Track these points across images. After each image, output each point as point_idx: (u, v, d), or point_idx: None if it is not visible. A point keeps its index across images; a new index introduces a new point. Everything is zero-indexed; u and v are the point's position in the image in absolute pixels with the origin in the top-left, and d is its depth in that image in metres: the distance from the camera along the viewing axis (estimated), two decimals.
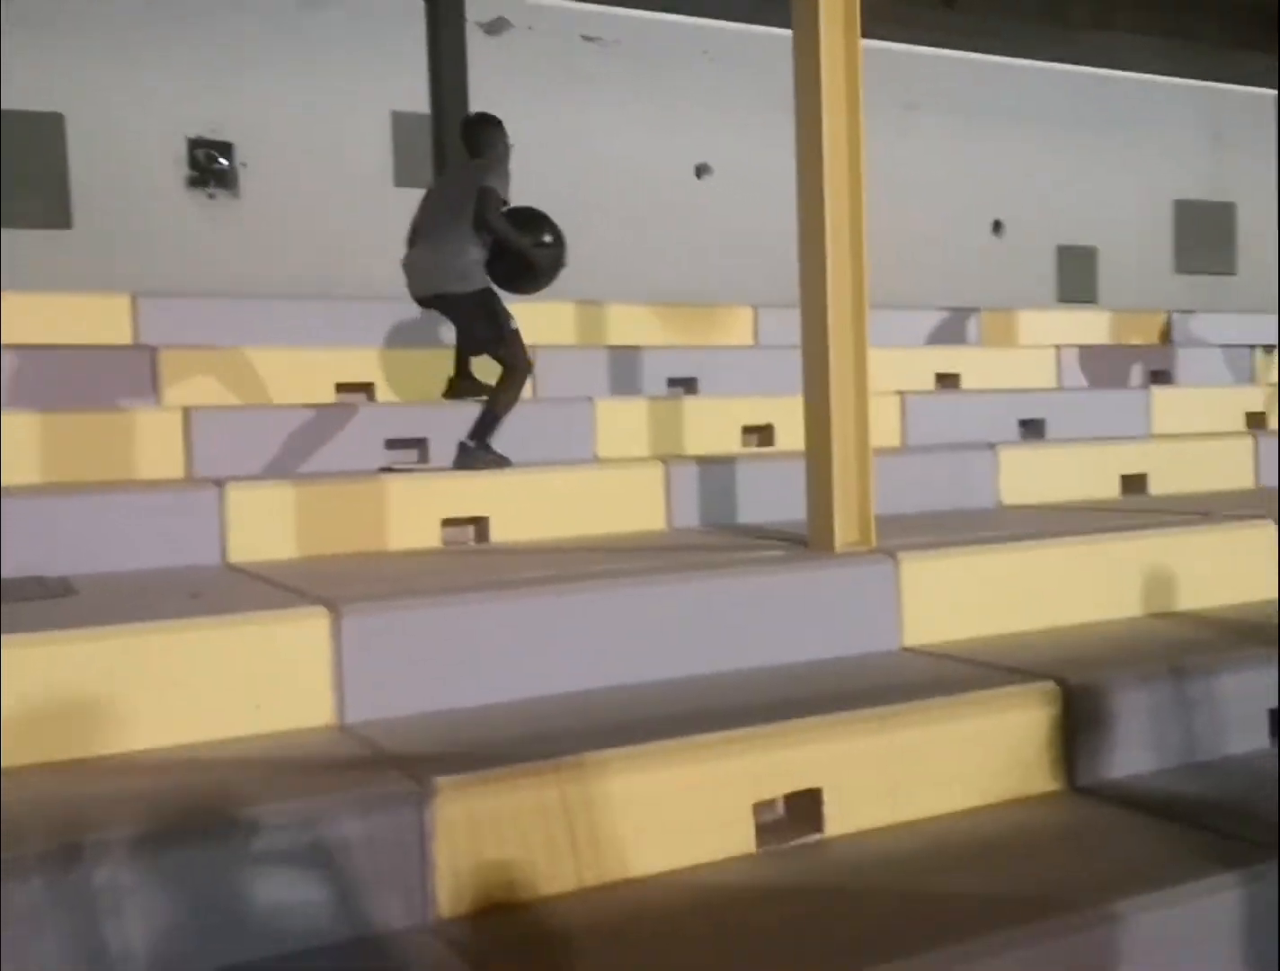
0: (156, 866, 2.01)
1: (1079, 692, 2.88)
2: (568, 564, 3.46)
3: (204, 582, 3.29)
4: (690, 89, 11.09)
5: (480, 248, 5.05)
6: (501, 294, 5.16)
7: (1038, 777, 2.82)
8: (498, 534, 4.21)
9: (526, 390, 5.68)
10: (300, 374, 5.24)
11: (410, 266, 5.14)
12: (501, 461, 4.73)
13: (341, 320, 6.01)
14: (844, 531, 3.57)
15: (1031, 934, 2.14)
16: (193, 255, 8.68)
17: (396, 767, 2.33)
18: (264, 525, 3.83)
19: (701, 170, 11.52)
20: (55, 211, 8.50)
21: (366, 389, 5.34)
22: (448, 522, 4.15)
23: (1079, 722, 2.87)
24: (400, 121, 9.71)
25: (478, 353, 5.26)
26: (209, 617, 2.68)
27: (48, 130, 8.43)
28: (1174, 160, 13.73)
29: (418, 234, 5.27)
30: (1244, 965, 2.32)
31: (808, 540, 3.68)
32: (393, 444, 4.72)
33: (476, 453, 4.74)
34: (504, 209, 5.13)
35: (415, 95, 9.73)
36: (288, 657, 2.68)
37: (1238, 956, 2.32)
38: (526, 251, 5.13)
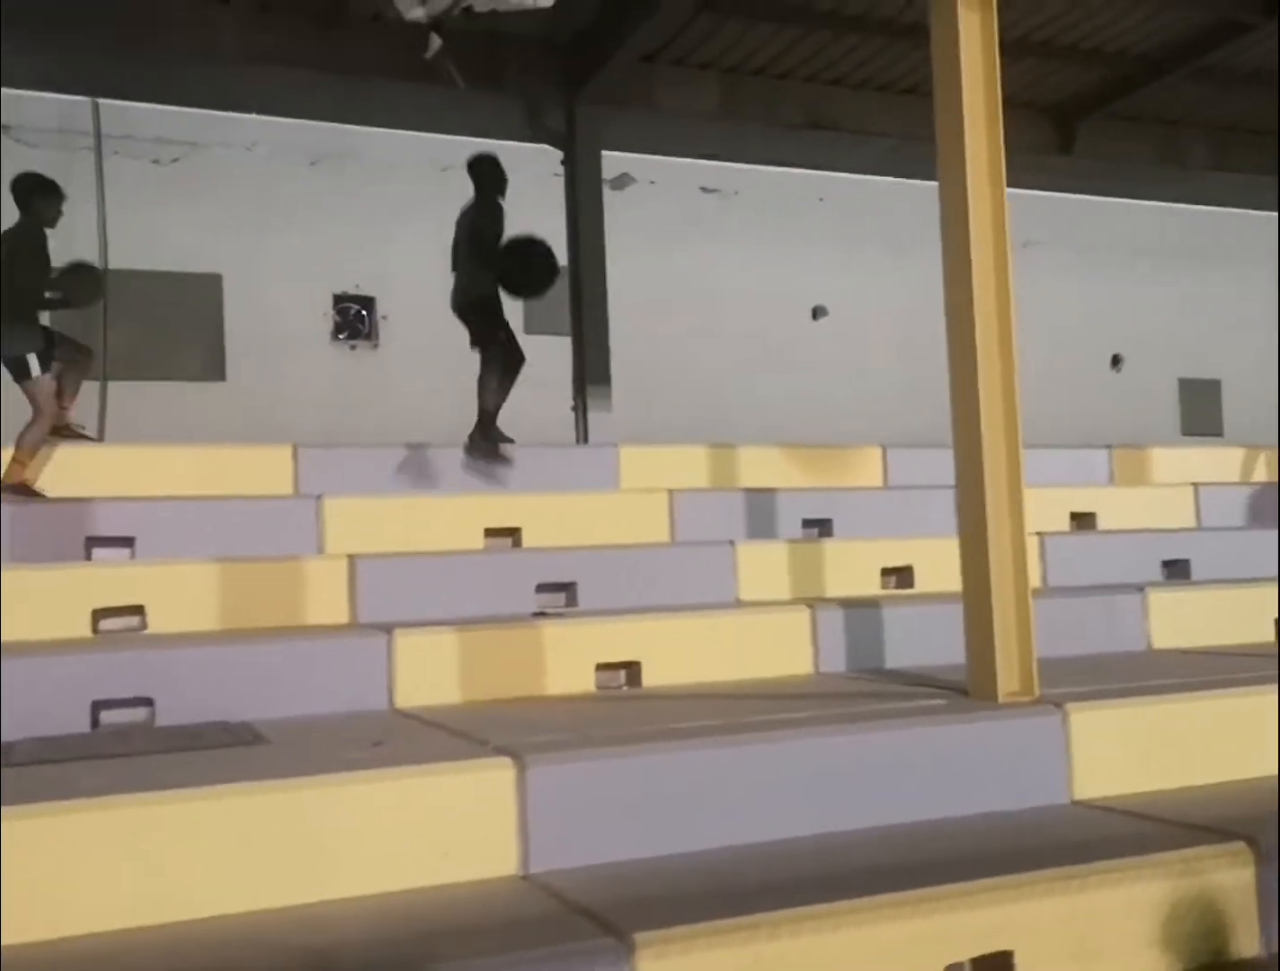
0: None
1: (1271, 853, 2.80)
2: (731, 712, 3.49)
3: (381, 730, 3.39)
4: (806, 234, 11.41)
5: (483, 267, 6.42)
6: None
7: (1232, 942, 2.73)
8: (649, 677, 4.26)
9: (665, 534, 5.85)
10: (450, 520, 5.42)
11: (454, 283, 6.68)
12: (504, 455, 6.24)
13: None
14: (1006, 681, 3.55)
15: None
16: (337, 404, 9.11)
17: (591, 921, 2.36)
18: (429, 670, 3.95)
19: (818, 312, 11.77)
20: (211, 365, 9.03)
21: (513, 534, 5.51)
22: (601, 667, 4.22)
23: (1272, 884, 2.77)
24: None
25: (474, 346, 6.62)
26: (401, 768, 2.77)
27: (207, 290, 9.02)
28: None
29: (456, 258, 6.72)
30: None
31: (968, 688, 3.66)
32: (542, 587, 4.83)
33: (477, 445, 6.33)
34: (500, 237, 6.47)
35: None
36: (474, 808, 2.75)
37: None
38: (509, 275, 6.46)
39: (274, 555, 4.63)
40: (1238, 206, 12.00)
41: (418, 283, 9.69)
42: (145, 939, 2.39)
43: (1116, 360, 13.01)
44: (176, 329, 8.97)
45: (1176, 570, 6.13)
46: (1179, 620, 5.17)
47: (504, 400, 6.65)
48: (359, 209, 9.45)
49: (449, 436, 8.20)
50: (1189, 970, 2.66)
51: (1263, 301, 13.55)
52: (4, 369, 5.74)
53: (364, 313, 9.74)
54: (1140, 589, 5.23)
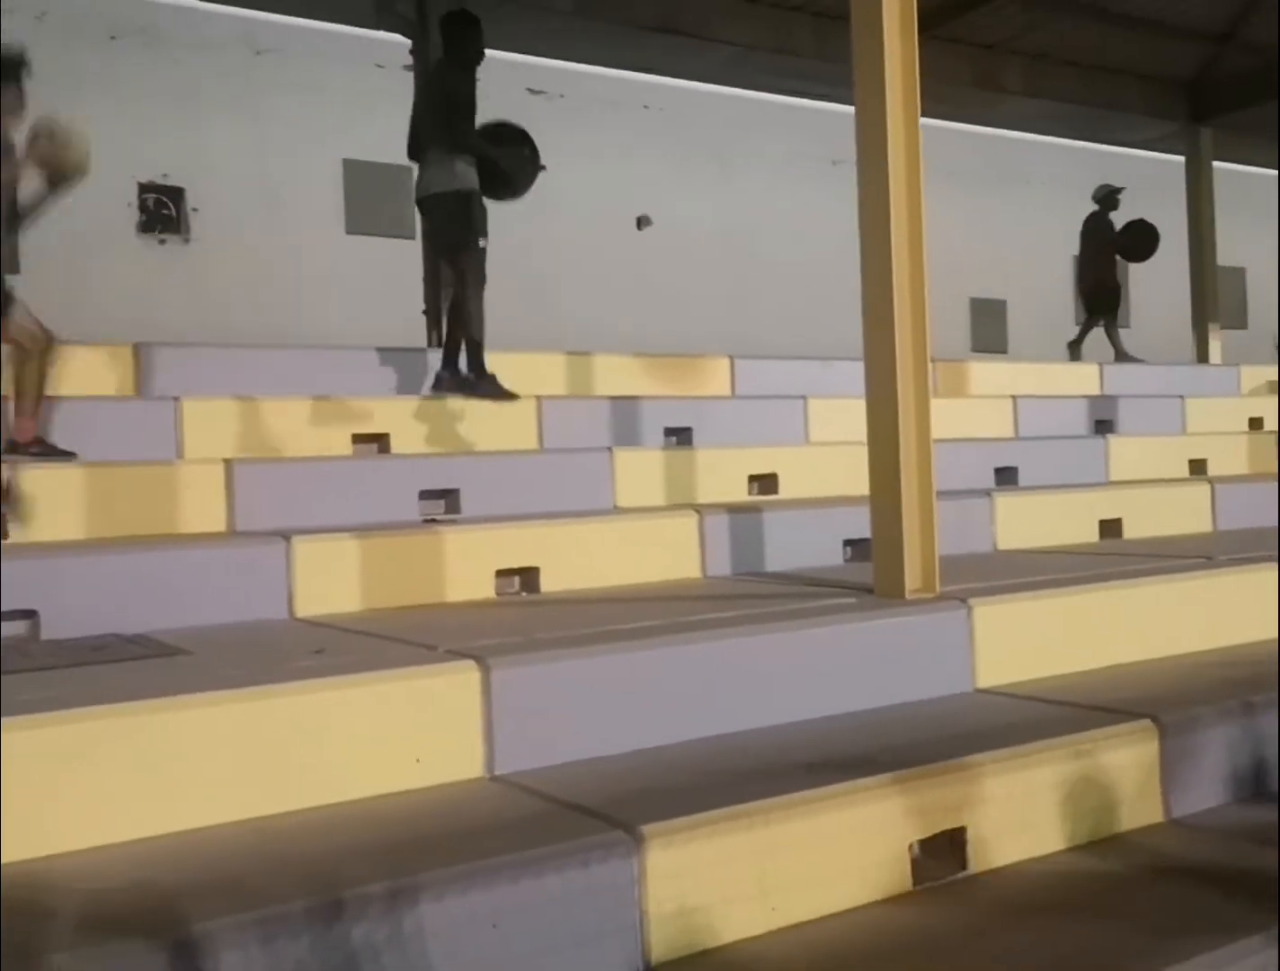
0: (400, 924, 2.02)
1: (1173, 729, 3.07)
2: (654, 614, 3.52)
3: (294, 638, 3.27)
4: (632, 142, 11.34)
5: (458, 150, 5.38)
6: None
7: (1142, 811, 2.99)
8: (545, 583, 4.25)
9: (534, 441, 5.80)
10: (314, 425, 5.21)
11: (419, 172, 5.65)
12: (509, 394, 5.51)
13: (343, 369, 5.99)
14: (911, 578, 3.72)
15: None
16: (146, 302, 8.52)
17: (591, 817, 2.37)
18: (329, 578, 3.81)
19: (642, 222, 11.75)
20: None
21: (380, 439, 5.34)
22: (500, 573, 4.18)
23: (1174, 758, 3.05)
24: (352, 169, 9.72)
25: (441, 254, 5.82)
26: (368, 673, 2.68)
27: None
28: (1071, 217, 14.42)
29: (416, 143, 5.70)
30: None
31: (875, 587, 3.81)
32: (425, 494, 4.72)
33: (480, 383, 5.52)
34: (475, 119, 5.44)
35: (366, 144, 9.75)
36: (440, 711, 2.69)
37: None
38: (497, 160, 5.51)
39: (139, 459, 4.33)
40: (1023, 131, 12.65)
41: (232, 174, 9.14)
42: (103, 856, 2.25)
43: None
44: None
45: (1006, 477, 6.53)
46: (1020, 523, 5.52)
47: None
48: (167, 92, 8.78)
49: (263, 338, 7.81)
50: (1111, 837, 2.90)
51: (1048, 226, 14.34)
52: None
53: (169, 203, 9.10)
54: (988, 493, 5.55)
